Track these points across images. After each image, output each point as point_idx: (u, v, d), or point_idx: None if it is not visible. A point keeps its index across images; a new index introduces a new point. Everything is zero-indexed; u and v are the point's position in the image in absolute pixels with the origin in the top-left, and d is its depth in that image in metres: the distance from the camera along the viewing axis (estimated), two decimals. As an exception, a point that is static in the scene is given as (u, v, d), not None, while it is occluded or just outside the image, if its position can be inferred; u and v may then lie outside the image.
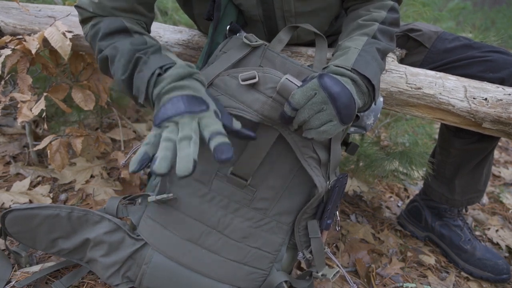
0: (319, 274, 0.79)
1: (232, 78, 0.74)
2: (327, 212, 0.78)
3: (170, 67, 0.66)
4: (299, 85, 0.67)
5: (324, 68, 0.73)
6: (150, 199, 0.78)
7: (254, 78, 0.70)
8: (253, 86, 0.71)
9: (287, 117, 0.68)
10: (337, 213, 0.82)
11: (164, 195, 0.77)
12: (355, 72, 0.69)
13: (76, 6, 0.79)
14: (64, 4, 1.27)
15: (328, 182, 0.77)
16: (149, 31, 0.86)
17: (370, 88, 0.71)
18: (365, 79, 0.70)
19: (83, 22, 0.81)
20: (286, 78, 0.68)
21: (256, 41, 0.78)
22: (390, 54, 0.94)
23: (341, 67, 0.70)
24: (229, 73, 0.75)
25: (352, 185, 1.49)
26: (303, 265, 0.95)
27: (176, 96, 0.61)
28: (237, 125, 0.66)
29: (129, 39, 0.73)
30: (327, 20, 0.91)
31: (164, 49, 0.74)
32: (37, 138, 1.37)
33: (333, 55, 0.79)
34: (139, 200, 0.85)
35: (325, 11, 0.87)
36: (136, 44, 0.71)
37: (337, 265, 0.81)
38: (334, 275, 0.78)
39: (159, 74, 0.65)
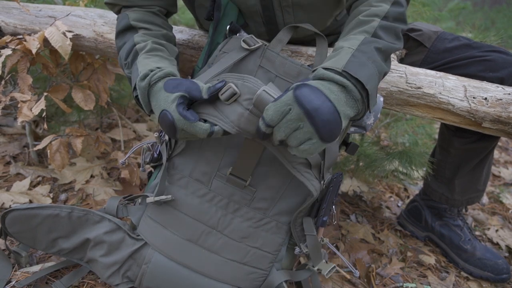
0: (315, 268, 0.79)
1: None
2: (322, 211, 0.78)
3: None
4: (276, 94, 0.62)
5: (313, 71, 0.66)
6: (148, 200, 0.78)
7: (235, 94, 0.66)
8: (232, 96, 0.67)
9: (263, 134, 0.62)
10: (333, 208, 0.81)
11: (163, 197, 0.78)
12: (346, 75, 0.61)
13: (106, 3, 0.89)
14: (64, 4, 1.27)
15: (322, 182, 0.76)
16: (172, 11, 0.93)
17: (364, 94, 0.63)
18: (358, 84, 0.62)
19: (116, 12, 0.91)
20: (264, 90, 0.62)
21: (255, 44, 0.77)
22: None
23: (330, 70, 0.62)
24: (218, 79, 0.73)
25: (352, 185, 1.49)
26: (303, 262, 0.95)
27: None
28: (205, 93, 0.67)
29: (131, 40, 0.81)
30: (329, 14, 0.89)
31: (143, 52, 0.77)
32: (37, 138, 1.37)
33: None
34: (139, 200, 0.85)
35: (325, 4, 0.85)
36: (124, 56, 0.80)
37: (341, 258, 0.80)
38: (329, 271, 0.77)
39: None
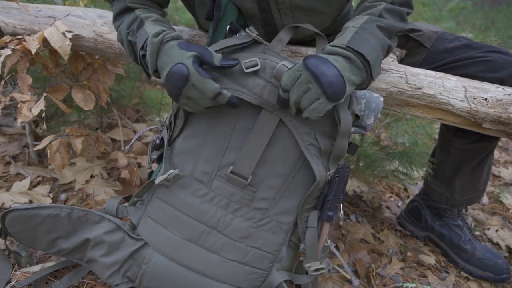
0: (307, 265, 0.78)
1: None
2: (327, 203, 0.78)
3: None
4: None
5: (322, 50, 0.75)
6: (157, 181, 0.77)
7: (257, 65, 0.74)
8: (254, 72, 0.74)
9: (282, 100, 0.71)
10: (341, 206, 0.81)
11: (171, 171, 0.77)
12: (350, 49, 0.70)
13: None
14: (64, 4, 1.27)
15: (328, 173, 0.77)
16: (165, 3, 0.95)
17: (366, 64, 0.71)
18: (361, 56, 0.70)
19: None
20: (283, 64, 0.72)
21: (258, 34, 0.78)
22: (390, 55, 0.94)
23: (336, 46, 0.72)
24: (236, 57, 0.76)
25: (352, 185, 1.49)
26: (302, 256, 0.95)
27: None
28: (217, 60, 0.72)
29: (131, 15, 0.84)
30: (328, 15, 0.89)
31: (149, 20, 0.81)
32: (37, 138, 1.37)
33: None
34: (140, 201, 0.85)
35: (324, 6, 0.85)
36: (126, 27, 0.83)
37: (340, 259, 0.80)
38: (316, 269, 0.77)
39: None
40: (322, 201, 0.79)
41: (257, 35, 0.77)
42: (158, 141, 0.85)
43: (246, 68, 0.74)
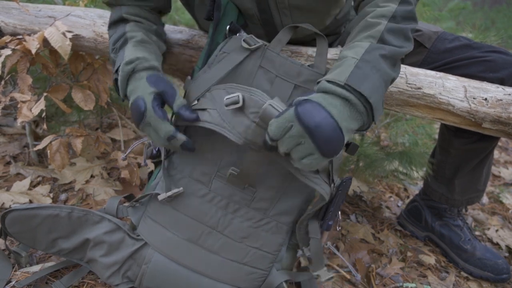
0: (314, 274, 0.79)
1: (224, 93, 0.73)
2: (329, 214, 0.78)
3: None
4: (282, 108, 0.62)
5: (317, 83, 0.66)
6: (160, 197, 0.77)
7: (237, 103, 0.67)
8: (239, 108, 0.68)
9: (269, 146, 0.64)
10: (339, 213, 0.81)
11: (175, 190, 0.77)
12: (349, 88, 0.61)
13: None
14: (64, 4, 1.27)
15: (332, 186, 0.75)
16: (167, 9, 0.95)
17: (368, 107, 0.62)
18: (362, 97, 0.61)
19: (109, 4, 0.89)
20: (270, 104, 0.63)
21: (255, 44, 0.77)
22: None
23: (333, 83, 0.62)
24: (225, 87, 0.73)
25: (352, 185, 1.49)
26: (304, 264, 0.95)
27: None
28: (177, 106, 0.71)
29: (122, 28, 0.84)
30: (327, 14, 0.88)
31: (132, 41, 0.80)
32: (37, 138, 1.37)
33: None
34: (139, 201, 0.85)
35: (323, 4, 0.85)
36: (113, 42, 0.83)
37: (341, 259, 0.81)
38: (327, 279, 0.78)
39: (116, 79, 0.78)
40: (324, 212, 0.79)
41: (254, 45, 0.76)
42: (155, 152, 0.84)
43: (226, 105, 0.68)
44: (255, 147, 0.68)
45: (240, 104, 0.67)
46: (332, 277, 0.78)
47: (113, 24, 0.87)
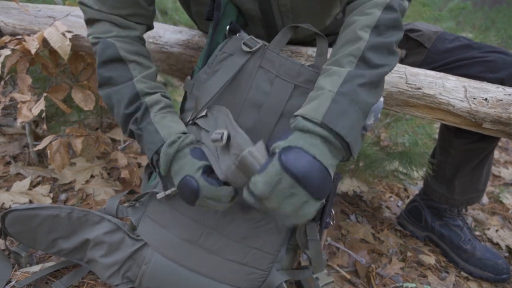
0: (314, 276, 0.79)
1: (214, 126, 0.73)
2: (326, 213, 0.78)
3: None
4: (262, 162, 0.59)
5: (294, 117, 0.63)
6: (159, 196, 0.77)
7: (220, 140, 0.66)
8: (226, 144, 0.67)
9: (250, 205, 0.60)
10: (332, 209, 0.81)
11: (173, 188, 0.76)
12: (325, 127, 0.59)
13: (80, 3, 0.81)
14: (64, 4, 1.27)
15: None
16: (150, 27, 0.88)
17: (345, 145, 0.61)
18: (338, 136, 0.59)
19: (88, 23, 0.82)
20: (249, 153, 0.60)
21: (255, 46, 0.78)
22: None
23: (310, 121, 0.60)
24: (221, 113, 0.73)
25: (352, 185, 1.49)
26: (304, 264, 0.95)
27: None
28: (221, 174, 0.68)
29: (130, 85, 0.77)
30: (327, 14, 0.88)
31: (156, 109, 0.77)
32: (37, 138, 1.37)
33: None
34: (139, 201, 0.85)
35: (323, 5, 0.85)
36: (124, 106, 0.76)
37: (347, 252, 0.80)
38: (326, 284, 0.77)
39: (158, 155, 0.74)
40: (321, 213, 0.79)
41: (254, 47, 0.77)
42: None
43: (212, 141, 0.68)
44: (236, 186, 0.67)
45: (223, 143, 0.66)
46: (332, 282, 0.78)
47: (107, 63, 0.78)
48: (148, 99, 0.77)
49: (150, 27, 0.88)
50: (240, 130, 0.65)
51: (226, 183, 0.68)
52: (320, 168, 0.57)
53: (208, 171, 0.69)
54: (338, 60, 0.66)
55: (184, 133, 0.74)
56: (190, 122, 0.79)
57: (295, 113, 0.63)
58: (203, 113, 0.77)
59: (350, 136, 0.60)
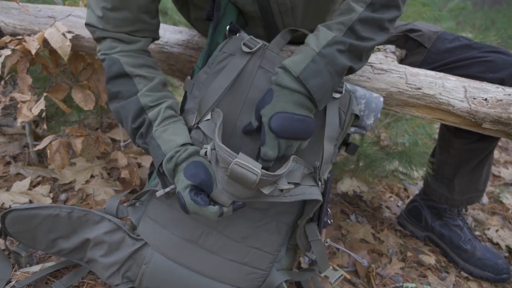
0: (322, 275, 0.79)
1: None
2: (323, 212, 0.78)
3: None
4: (251, 165, 0.63)
5: (278, 67, 0.71)
6: (158, 194, 0.77)
7: (206, 156, 0.72)
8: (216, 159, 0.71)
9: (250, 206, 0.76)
10: (329, 208, 0.83)
11: (172, 186, 0.76)
12: (300, 82, 0.68)
13: (86, 24, 0.82)
14: (64, 5, 1.27)
15: (320, 184, 0.76)
16: (156, 38, 0.88)
17: (313, 99, 0.70)
18: (308, 91, 0.69)
19: (96, 41, 0.83)
20: (236, 163, 0.63)
21: (255, 46, 0.78)
22: (390, 55, 0.94)
23: (289, 74, 0.69)
24: (219, 115, 0.75)
25: (352, 185, 1.49)
26: (304, 266, 0.95)
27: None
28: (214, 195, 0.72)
29: (134, 100, 0.78)
30: (326, 10, 0.89)
31: (157, 123, 0.78)
32: (37, 138, 1.37)
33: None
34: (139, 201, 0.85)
35: (324, 3, 0.85)
36: (131, 120, 0.78)
37: (347, 252, 0.81)
38: (337, 279, 0.78)
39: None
40: (319, 213, 0.79)
41: (254, 47, 0.78)
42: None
43: (201, 155, 0.73)
44: (233, 198, 0.70)
45: (208, 158, 0.72)
46: (341, 276, 0.79)
47: (114, 79, 0.80)
48: (150, 114, 0.78)
49: (155, 39, 0.88)
50: (221, 144, 0.66)
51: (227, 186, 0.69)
52: (301, 120, 0.69)
53: (196, 189, 0.70)
54: (329, 25, 0.72)
55: (185, 144, 0.74)
56: (195, 126, 0.79)
57: (281, 63, 0.71)
58: (208, 117, 0.77)
59: (317, 93, 0.69)
